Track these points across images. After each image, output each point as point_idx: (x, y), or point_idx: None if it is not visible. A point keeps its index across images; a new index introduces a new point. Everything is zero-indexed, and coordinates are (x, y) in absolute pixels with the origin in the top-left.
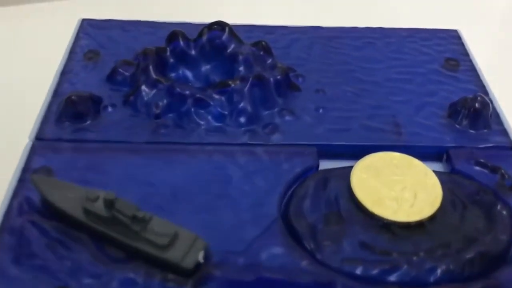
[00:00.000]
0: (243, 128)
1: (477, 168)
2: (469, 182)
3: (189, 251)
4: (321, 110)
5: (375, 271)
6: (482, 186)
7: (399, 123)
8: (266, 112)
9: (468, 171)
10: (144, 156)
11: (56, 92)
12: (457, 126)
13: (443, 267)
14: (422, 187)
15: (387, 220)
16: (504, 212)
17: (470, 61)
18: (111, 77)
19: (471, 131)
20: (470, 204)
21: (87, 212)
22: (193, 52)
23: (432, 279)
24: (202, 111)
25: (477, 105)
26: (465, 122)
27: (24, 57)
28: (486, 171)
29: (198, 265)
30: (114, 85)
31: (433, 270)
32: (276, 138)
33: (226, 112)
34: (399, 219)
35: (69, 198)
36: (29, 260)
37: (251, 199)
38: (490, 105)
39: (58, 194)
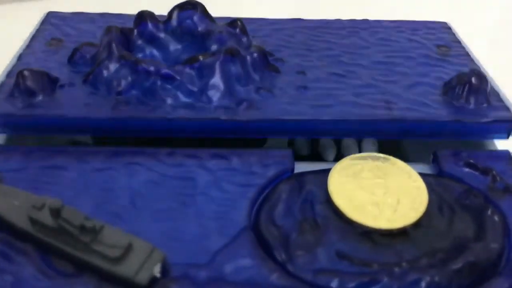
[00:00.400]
0: (215, 104)
1: (467, 169)
2: (458, 184)
3: (144, 264)
4: (302, 90)
5: (352, 285)
6: (472, 189)
7: (389, 100)
8: (241, 89)
9: (457, 173)
10: (103, 159)
11: (10, 73)
12: (454, 102)
13: (428, 279)
14: (406, 190)
15: (367, 227)
16: (496, 218)
17: (463, 47)
18: (72, 59)
19: (469, 106)
20: (459, 209)
21: (32, 221)
22: (162, 34)
23: None
24: (169, 87)
25: (473, 79)
26: (462, 99)
27: None
28: (476, 173)
29: (154, 280)
30: (75, 67)
31: (417, 282)
32: (252, 114)
33: (195, 89)
34: (380, 226)
35: (14, 206)
36: None
37: (218, 206)
38: (488, 80)
39: (3, 201)
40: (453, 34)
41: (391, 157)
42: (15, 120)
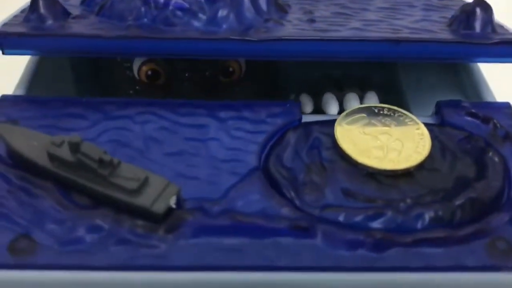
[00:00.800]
0: (224, 28)
1: (468, 119)
2: (460, 132)
3: (160, 196)
4: (310, 23)
5: (357, 218)
6: (473, 135)
7: (397, 30)
8: (251, 17)
9: (459, 123)
10: (117, 107)
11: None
12: (460, 31)
13: (432, 213)
14: (410, 136)
15: (372, 168)
16: (496, 159)
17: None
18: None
19: (475, 32)
20: (461, 153)
21: (52, 157)
22: None
23: (419, 225)
24: (179, 13)
25: (478, 8)
26: (467, 29)
27: None
28: (477, 121)
29: (169, 211)
30: (88, 7)
31: (420, 216)
32: (261, 36)
33: (205, 17)
34: (385, 167)
35: (34, 145)
36: None
37: (228, 150)
38: (493, 10)
39: (23, 141)
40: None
41: (395, 107)
42: (26, 40)
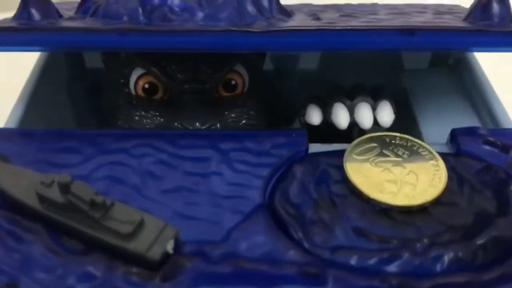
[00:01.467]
0: (222, 23)
1: (486, 147)
2: (477, 162)
3: (156, 241)
4: (314, 20)
5: (372, 261)
6: (492, 165)
7: (410, 23)
8: (253, 13)
9: (476, 151)
10: (112, 141)
11: None
12: (477, 23)
13: (451, 254)
14: (424, 168)
15: (385, 204)
16: None
17: None
18: (81, 5)
19: (492, 22)
20: (479, 185)
21: (41, 198)
22: None
23: (438, 268)
24: (177, 9)
25: (494, 1)
26: (484, 20)
27: None
28: (496, 150)
29: (166, 257)
30: (83, 14)
31: (439, 258)
32: (263, 25)
33: (203, 13)
34: (399, 203)
35: (23, 185)
36: None
37: (231, 185)
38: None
39: (11, 180)
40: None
41: (407, 136)
42: (17, 35)
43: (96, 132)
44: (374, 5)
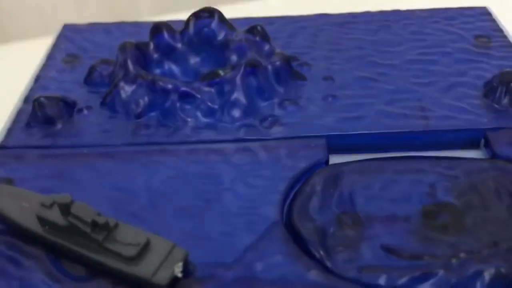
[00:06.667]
0: (237, 123)
1: None
2: None
3: (163, 263)
4: (330, 99)
5: (403, 280)
6: None
7: (425, 107)
8: (265, 104)
9: None
10: (118, 160)
11: (27, 98)
12: (496, 105)
13: (492, 270)
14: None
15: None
16: None
17: (505, 36)
18: (89, 79)
19: None
20: None
21: (41, 221)
22: (179, 45)
23: (479, 286)
24: (188, 107)
25: None
26: (505, 100)
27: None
28: None
29: (175, 281)
30: (92, 87)
31: (479, 274)
32: (276, 131)
33: (216, 106)
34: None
35: (23, 206)
36: None
37: (245, 202)
38: None
39: (12, 203)
40: (494, 21)
41: None
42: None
43: (103, 151)
44: (396, 13)
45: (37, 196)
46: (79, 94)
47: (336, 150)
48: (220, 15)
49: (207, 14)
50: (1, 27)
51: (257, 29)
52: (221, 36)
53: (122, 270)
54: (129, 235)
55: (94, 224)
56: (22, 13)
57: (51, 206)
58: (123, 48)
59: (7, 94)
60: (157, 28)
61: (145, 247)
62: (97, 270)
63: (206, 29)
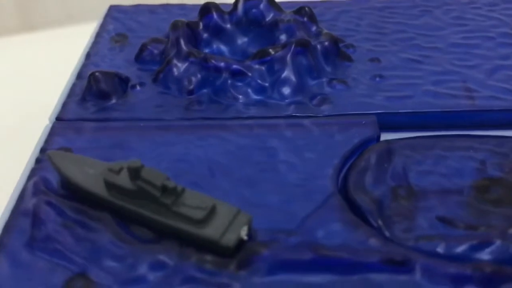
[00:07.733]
0: (287, 100)
1: None
2: None
3: (229, 227)
4: (377, 79)
5: (461, 248)
6: None
7: (470, 88)
8: (314, 82)
9: None
10: (175, 133)
11: (80, 74)
12: None
13: None
14: None
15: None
16: None
17: None
18: (140, 56)
19: None
20: None
21: (109, 185)
22: (228, 25)
23: None
24: (240, 84)
25: None
26: None
27: (49, 44)
28: None
29: (241, 243)
30: (143, 65)
31: None
32: (326, 109)
33: (267, 84)
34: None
35: (89, 173)
36: (44, 243)
37: (301, 173)
38: None
39: (77, 169)
40: None
41: None
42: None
43: (159, 124)
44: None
45: (102, 163)
46: (130, 71)
47: (385, 128)
48: None
49: None
50: (47, 11)
51: (305, 10)
52: (269, 17)
53: (190, 232)
54: (195, 200)
55: (164, 189)
56: None
57: (119, 171)
58: (175, 26)
59: (58, 73)
60: (207, 9)
61: (212, 211)
62: (164, 233)
63: (254, 10)
